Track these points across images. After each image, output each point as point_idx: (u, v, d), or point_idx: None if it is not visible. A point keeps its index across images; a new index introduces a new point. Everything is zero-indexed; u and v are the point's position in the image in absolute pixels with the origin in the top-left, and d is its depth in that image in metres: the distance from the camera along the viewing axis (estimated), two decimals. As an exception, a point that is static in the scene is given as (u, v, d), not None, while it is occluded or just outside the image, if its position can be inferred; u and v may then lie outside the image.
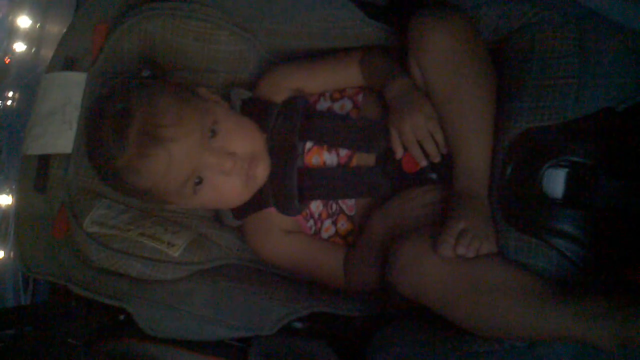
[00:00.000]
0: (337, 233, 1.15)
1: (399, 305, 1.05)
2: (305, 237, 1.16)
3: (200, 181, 1.05)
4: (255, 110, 1.17)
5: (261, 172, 1.10)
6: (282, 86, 1.19)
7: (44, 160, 1.25)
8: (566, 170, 0.91)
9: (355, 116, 1.12)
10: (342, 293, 1.16)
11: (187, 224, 1.24)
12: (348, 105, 1.14)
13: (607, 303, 0.79)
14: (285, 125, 1.13)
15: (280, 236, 1.15)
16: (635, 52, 0.90)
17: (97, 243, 1.16)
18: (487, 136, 0.96)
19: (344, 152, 1.11)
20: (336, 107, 1.14)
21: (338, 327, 1.14)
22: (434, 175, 1.05)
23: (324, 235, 1.16)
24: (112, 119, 0.99)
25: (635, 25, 0.92)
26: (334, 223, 1.14)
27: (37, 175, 1.26)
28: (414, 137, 1.01)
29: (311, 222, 1.16)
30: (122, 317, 1.16)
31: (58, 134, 1.22)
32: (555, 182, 0.91)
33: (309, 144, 1.12)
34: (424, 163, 1.02)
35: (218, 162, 1.03)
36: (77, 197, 1.21)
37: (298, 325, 1.13)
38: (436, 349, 0.95)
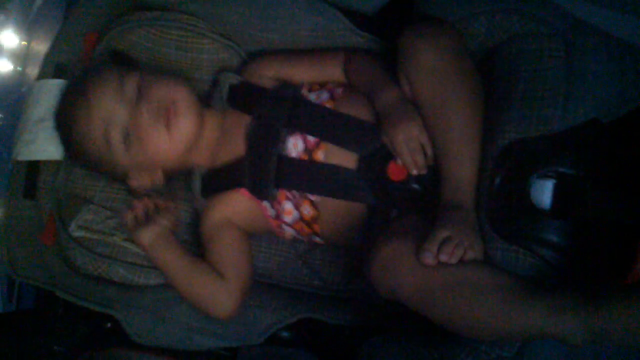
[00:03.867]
0: (301, 219, 1.14)
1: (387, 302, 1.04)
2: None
3: (128, 136, 1.09)
4: (244, 95, 1.18)
5: (184, 124, 1.10)
6: (266, 76, 1.20)
7: (34, 167, 1.25)
8: (553, 181, 0.91)
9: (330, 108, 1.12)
10: (331, 301, 1.16)
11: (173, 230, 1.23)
12: (324, 96, 1.13)
13: (576, 296, 0.78)
14: (273, 111, 1.12)
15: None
16: (621, 64, 0.91)
17: (81, 247, 1.17)
18: (473, 149, 0.97)
19: (311, 139, 1.10)
20: (312, 96, 1.14)
21: (326, 337, 1.13)
22: (416, 186, 1.05)
23: (287, 219, 1.15)
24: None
25: (622, 34, 0.94)
26: (296, 207, 1.13)
27: (26, 182, 1.26)
28: (407, 147, 1.01)
29: (266, 202, 1.14)
30: (109, 324, 1.15)
31: (49, 141, 1.22)
32: (543, 192, 0.91)
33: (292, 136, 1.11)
34: (415, 172, 1.03)
35: (133, 112, 1.08)
36: (65, 202, 1.21)
37: (285, 335, 1.12)
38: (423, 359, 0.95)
